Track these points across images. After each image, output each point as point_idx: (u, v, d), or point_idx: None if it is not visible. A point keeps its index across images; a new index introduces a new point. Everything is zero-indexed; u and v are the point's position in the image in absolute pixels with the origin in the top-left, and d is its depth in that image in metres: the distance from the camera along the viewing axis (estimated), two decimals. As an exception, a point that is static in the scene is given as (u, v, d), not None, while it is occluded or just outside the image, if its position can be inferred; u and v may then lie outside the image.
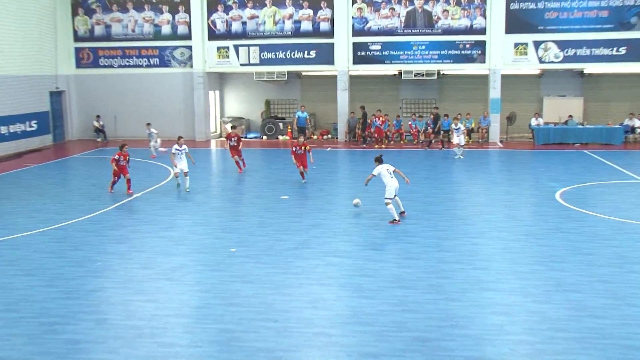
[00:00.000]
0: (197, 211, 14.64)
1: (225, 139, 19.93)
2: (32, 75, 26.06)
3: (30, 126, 26.09)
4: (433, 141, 25.24)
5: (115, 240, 12.21)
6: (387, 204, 12.93)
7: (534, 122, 25.98)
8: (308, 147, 17.10)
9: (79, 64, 29.06)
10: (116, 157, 16.05)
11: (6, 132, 24.61)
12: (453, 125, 22.41)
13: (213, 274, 10.16)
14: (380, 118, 25.82)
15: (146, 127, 23.66)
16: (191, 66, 28.08)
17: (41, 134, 26.61)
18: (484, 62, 26.10)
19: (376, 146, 25.30)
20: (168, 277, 10.01)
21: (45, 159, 22.96)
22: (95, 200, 15.71)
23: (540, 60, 25.87)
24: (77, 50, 28.96)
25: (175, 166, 16.53)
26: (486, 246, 11.46)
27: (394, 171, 13.04)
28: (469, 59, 26.21)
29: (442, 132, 25.14)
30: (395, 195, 13.02)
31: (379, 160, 13.13)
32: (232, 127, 20.01)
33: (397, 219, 12.92)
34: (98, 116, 28.33)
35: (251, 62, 27.51)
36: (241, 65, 27.73)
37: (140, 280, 9.90)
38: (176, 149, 16.45)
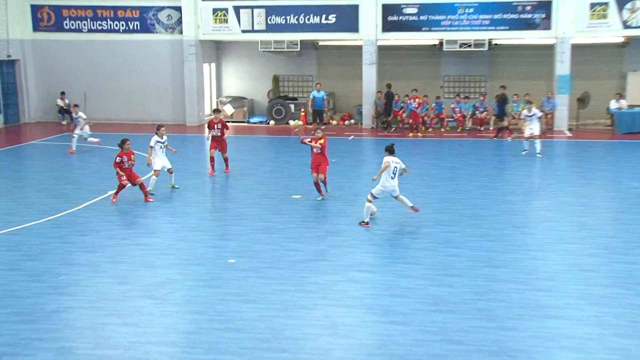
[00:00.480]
0: (188, 213, 14.70)
1: (207, 128, 18.30)
2: (-25, 40, 26.33)
3: (-26, 104, 26.47)
4: (508, 128, 24.40)
5: (84, 248, 12.30)
6: (368, 200, 13.31)
7: (614, 105, 25.71)
8: (323, 141, 15.22)
9: (37, 27, 29.33)
10: (118, 159, 15.08)
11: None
12: (525, 112, 21.21)
13: (207, 291, 10.21)
14: (417, 100, 25.75)
15: (73, 110, 22.64)
16: (180, 32, 28.23)
17: (-11, 114, 26.97)
18: (550, 28, 25.89)
19: (411, 134, 25.28)
20: (150, 295, 10.07)
21: (-2, 146, 23.21)
22: (60, 198, 15.82)
23: (626, 25, 25.55)
24: (35, 9, 29.22)
25: (149, 164, 16.12)
26: (550, 262, 11.38)
27: (403, 170, 13.30)
28: (529, 25, 26.01)
29: (494, 118, 24.92)
30: (396, 196, 13.38)
31: (390, 151, 13.33)
32: (214, 111, 18.82)
33: (367, 221, 13.35)
34: (63, 93, 28.64)
35: (255, 28, 27.59)
36: (243, 32, 27.81)
37: (115, 298, 9.97)
38: (156, 142, 16.12)
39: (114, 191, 15.45)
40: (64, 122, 28.41)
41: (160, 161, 16.19)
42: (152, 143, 16.18)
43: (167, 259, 11.62)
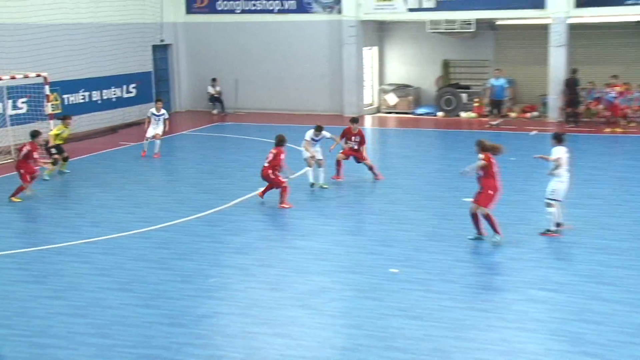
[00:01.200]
0: (345, 215, 14.99)
1: (341, 138, 17.50)
2: (130, 24, 27.94)
3: (128, 91, 28.33)
4: None
5: (235, 249, 12.93)
6: (549, 204, 12.98)
7: None
8: (482, 161, 12.65)
9: (190, 9, 30.86)
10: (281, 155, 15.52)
11: (98, 98, 26.98)
12: None
13: (365, 303, 10.37)
14: (617, 89, 24.50)
15: (156, 106, 21.51)
16: (339, 12, 28.67)
17: (142, 102, 28.51)
18: None
19: (608, 130, 24.16)
20: (304, 304, 10.39)
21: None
22: (211, 194, 16.69)
23: None
24: (190, -10, 30.78)
25: (308, 149, 16.79)
26: None
27: None
28: None
29: None
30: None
31: (559, 140, 13.01)
32: (352, 121, 17.83)
33: (553, 229, 13.02)
34: (214, 80, 29.87)
35: (424, 6, 27.48)
36: (409, 10, 27.80)
37: (267, 305, 10.37)
38: (312, 138, 16.82)
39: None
40: (215, 112, 29.68)
41: (307, 153, 16.70)
42: (307, 137, 16.81)
43: (322, 265, 11.92)
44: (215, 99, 29.76)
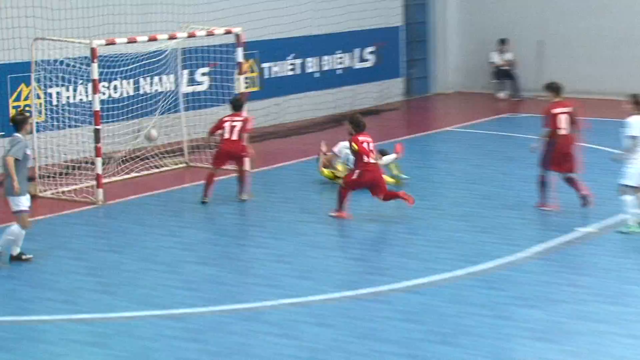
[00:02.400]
0: None
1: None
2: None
3: (363, 59, 28.65)
4: None
5: (533, 330, 12.31)
6: None
7: None
8: None
9: None
10: None
11: (315, 69, 27.50)
12: None
13: None
14: None
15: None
16: None
17: (383, 77, 28.99)
18: None
19: None
20: None
21: (393, 132, 24.31)
22: (488, 233, 16.58)
23: None
24: None
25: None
26: None
27: None
28: None
29: None
30: None
31: None
32: (552, 90, 18.08)
33: None
34: (503, 42, 29.66)
35: None
36: None
37: None
38: None
39: None
40: (503, 95, 29.61)
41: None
42: (636, 132, 16.53)
43: None
44: (504, 74, 29.61)
